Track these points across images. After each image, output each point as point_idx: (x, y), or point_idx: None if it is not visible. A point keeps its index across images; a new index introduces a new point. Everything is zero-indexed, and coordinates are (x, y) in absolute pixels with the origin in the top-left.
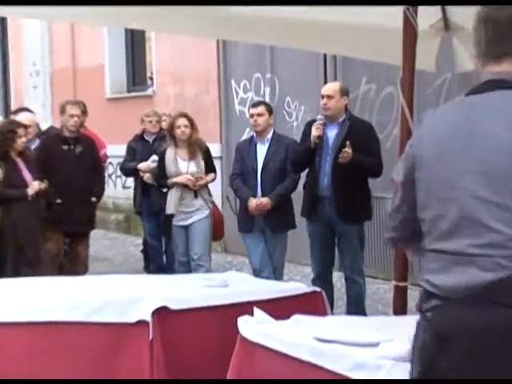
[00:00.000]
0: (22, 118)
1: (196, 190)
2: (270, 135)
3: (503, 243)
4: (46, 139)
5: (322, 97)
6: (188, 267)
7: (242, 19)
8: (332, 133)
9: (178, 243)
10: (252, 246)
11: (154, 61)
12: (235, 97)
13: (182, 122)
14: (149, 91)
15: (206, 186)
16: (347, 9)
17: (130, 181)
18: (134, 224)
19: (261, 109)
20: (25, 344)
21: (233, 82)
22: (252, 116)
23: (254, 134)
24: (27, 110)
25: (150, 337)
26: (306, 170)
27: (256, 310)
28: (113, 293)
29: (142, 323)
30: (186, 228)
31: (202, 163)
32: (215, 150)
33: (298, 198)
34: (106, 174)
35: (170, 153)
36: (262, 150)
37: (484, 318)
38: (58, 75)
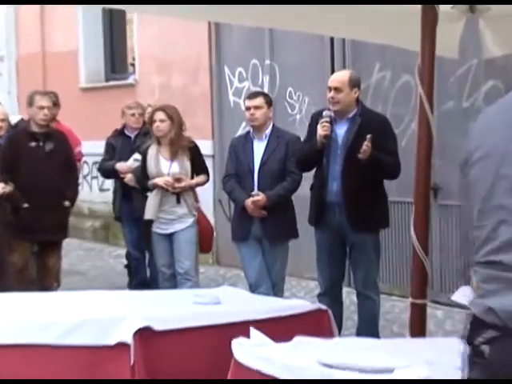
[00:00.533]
0: None
1: (176, 193)
2: (268, 131)
3: None
4: (12, 135)
5: (329, 89)
6: (173, 282)
7: None
8: (341, 130)
9: (159, 253)
10: (248, 257)
11: (136, 45)
12: (229, 86)
13: (158, 116)
14: (130, 80)
15: (192, 190)
16: None
17: (109, 183)
18: (112, 232)
19: (259, 100)
20: None
21: (226, 69)
22: (248, 109)
23: (251, 130)
24: None
25: (132, 361)
26: (314, 170)
27: (252, 331)
28: (88, 311)
29: (122, 346)
30: (169, 237)
31: (188, 164)
32: (206, 147)
33: (303, 202)
34: (81, 175)
35: (152, 151)
36: (259, 148)
37: None
38: (25, 61)
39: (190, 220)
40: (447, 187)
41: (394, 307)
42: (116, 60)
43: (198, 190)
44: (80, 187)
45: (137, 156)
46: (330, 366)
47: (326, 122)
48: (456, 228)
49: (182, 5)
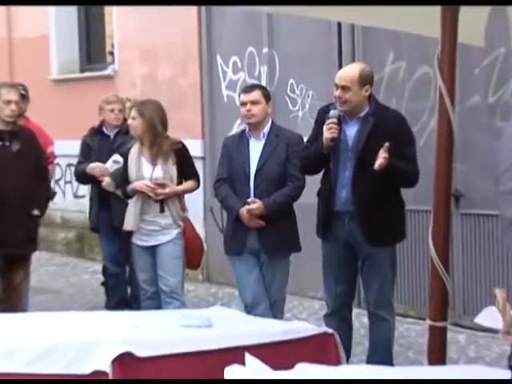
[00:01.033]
0: None
1: (160, 201)
2: (267, 129)
3: None
4: None
5: (336, 86)
6: (157, 301)
7: None
8: (352, 131)
9: (140, 267)
10: (243, 273)
11: (116, 31)
12: (222, 78)
13: (132, 112)
14: (108, 70)
15: (178, 197)
16: None
17: (85, 188)
18: (88, 245)
19: (256, 94)
20: None
21: (219, 58)
22: (244, 104)
23: (247, 128)
24: None
25: None
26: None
27: (248, 357)
28: (60, 335)
29: (98, 374)
30: (152, 250)
31: (173, 168)
32: (195, 148)
33: (306, 211)
34: (53, 180)
35: (134, 152)
36: (256, 148)
37: None
38: None
39: (175, 231)
40: (470, 194)
41: (410, 330)
42: (92, 48)
43: (187, 197)
44: (52, 193)
45: (116, 157)
46: None
47: (334, 122)
48: (481, 240)
49: None
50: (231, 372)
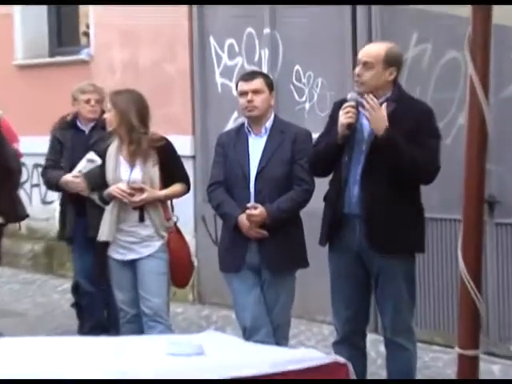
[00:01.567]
0: None
1: (138, 208)
2: (269, 123)
3: None
4: None
5: (358, 62)
6: (139, 324)
7: None
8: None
9: (117, 285)
10: (241, 292)
11: (92, 10)
12: (216, 64)
13: (108, 105)
14: (83, 55)
15: (162, 203)
16: None
17: (55, 193)
18: (58, 259)
19: (257, 82)
20: None
21: (212, 41)
22: (244, 93)
23: (246, 122)
24: None
25: None
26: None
27: None
28: (26, 365)
29: None
30: (131, 265)
31: (153, 169)
32: (184, 146)
33: (312, 218)
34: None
35: (112, 150)
36: (257, 146)
37: None
38: None
39: (157, 244)
40: (506, 200)
41: (436, 360)
42: (64, 29)
43: (175, 202)
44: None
45: (91, 156)
46: None
47: (351, 106)
48: None
49: None
50: None
